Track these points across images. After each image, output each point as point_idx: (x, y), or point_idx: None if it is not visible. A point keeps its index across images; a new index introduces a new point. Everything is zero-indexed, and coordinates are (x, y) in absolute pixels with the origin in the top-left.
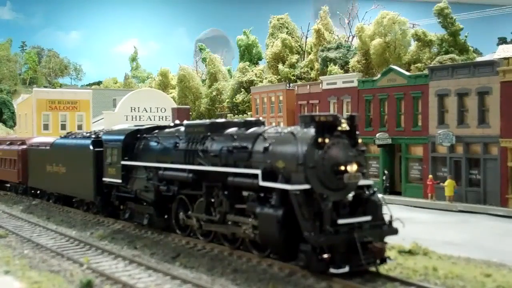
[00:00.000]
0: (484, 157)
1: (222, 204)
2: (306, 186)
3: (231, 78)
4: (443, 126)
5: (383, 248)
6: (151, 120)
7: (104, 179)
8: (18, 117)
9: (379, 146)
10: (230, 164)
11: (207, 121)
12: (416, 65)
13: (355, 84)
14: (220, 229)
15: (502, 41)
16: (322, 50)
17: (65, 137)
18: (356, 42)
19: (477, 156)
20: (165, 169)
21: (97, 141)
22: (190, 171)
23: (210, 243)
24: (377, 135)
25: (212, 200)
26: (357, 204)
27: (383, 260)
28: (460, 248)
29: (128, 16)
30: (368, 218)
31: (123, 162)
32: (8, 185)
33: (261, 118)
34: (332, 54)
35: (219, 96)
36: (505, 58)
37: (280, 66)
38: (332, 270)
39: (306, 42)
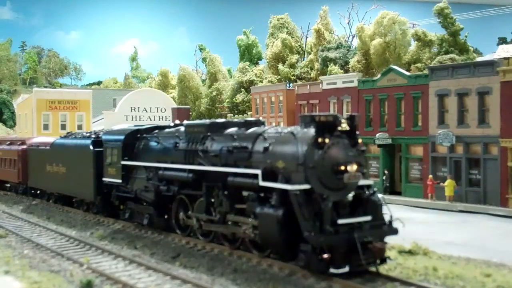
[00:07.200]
0: (484, 157)
1: (222, 204)
2: (306, 186)
3: (231, 78)
4: (443, 126)
5: (383, 248)
6: (151, 120)
7: (104, 179)
8: (18, 117)
9: (379, 146)
10: (230, 164)
11: (207, 121)
12: (416, 65)
13: (355, 84)
14: (220, 229)
15: (502, 41)
16: (322, 50)
17: (65, 137)
18: (356, 42)
19: (477, 156)
20: (165, 169)
21: (97, 141)
22: (190, 171)
23: (210, 243)
24: (377, 135)
25: (212, 200)
26: (357, 204)
27: (383, 260)
28: (460, 248)
29: (128, 16)
30: (368, 218)
31: (123, 162)
32: (8, 185)
33: (261, 118)
34: (332, 54)
35: (219, 96)
36: (505, 58)
37: (280, 66)
38: (332, 270)
39: (306, 42)
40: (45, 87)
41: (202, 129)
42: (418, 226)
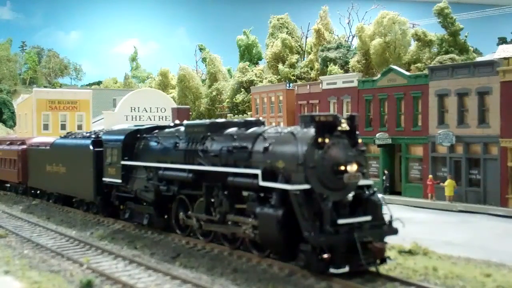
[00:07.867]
0: (484, 157)
1: (222, 204)
2: (306, 186)
3: (231, 78)
4: (443, 126)
5: (383, 248)
6: (151, 120)
7: (104, 179)
8: (18, 117)
9: (379, 146)
10: (230, 164)
11: (207, 121)
12: (416, 65)
13: (355, 84)
14: (220, 229)
15: (502, 41)
16: (322, 50)
17: (65, 137)
18: (356, 42)
19: (477, 156)
20: (165, 169)
21: (97, 141)
22: (190, 171)
23: (210, 243)
24: (377, 135)
25: (212, 200)
26: (357, 204)
27: (383, 260)
28: (460, 248)
29: (128, 16)
30: (368, 218)
31: (123, 162)
32: (8, 185)
33: (261, 118)
34: (332, 54)
35: (219, 96)
36: (505, 58)
37: (280, 66)
38: (332, 270)
39: (306, 42)
40: (45, 87)
41: (202, 129)
42: (418, 226)
